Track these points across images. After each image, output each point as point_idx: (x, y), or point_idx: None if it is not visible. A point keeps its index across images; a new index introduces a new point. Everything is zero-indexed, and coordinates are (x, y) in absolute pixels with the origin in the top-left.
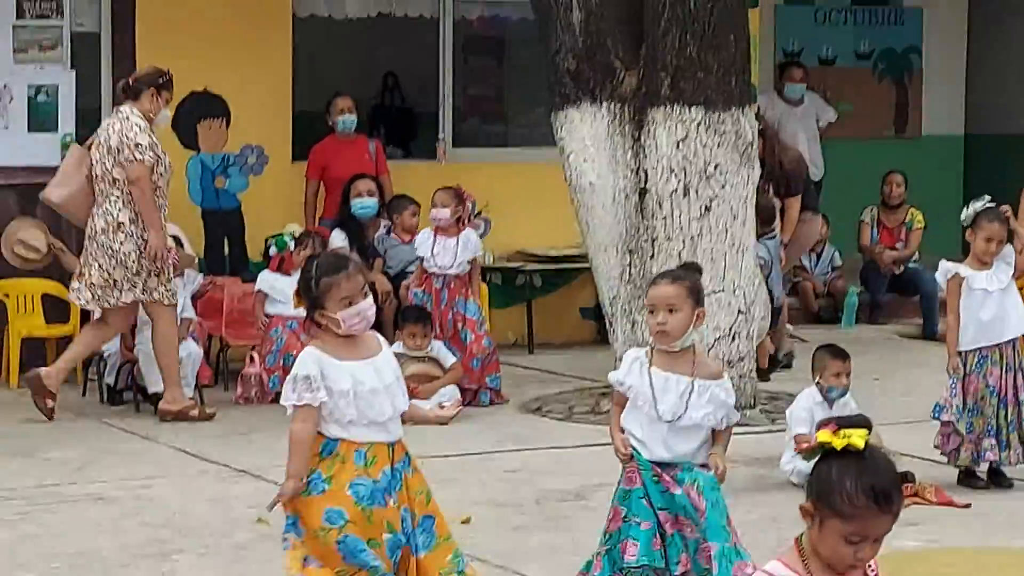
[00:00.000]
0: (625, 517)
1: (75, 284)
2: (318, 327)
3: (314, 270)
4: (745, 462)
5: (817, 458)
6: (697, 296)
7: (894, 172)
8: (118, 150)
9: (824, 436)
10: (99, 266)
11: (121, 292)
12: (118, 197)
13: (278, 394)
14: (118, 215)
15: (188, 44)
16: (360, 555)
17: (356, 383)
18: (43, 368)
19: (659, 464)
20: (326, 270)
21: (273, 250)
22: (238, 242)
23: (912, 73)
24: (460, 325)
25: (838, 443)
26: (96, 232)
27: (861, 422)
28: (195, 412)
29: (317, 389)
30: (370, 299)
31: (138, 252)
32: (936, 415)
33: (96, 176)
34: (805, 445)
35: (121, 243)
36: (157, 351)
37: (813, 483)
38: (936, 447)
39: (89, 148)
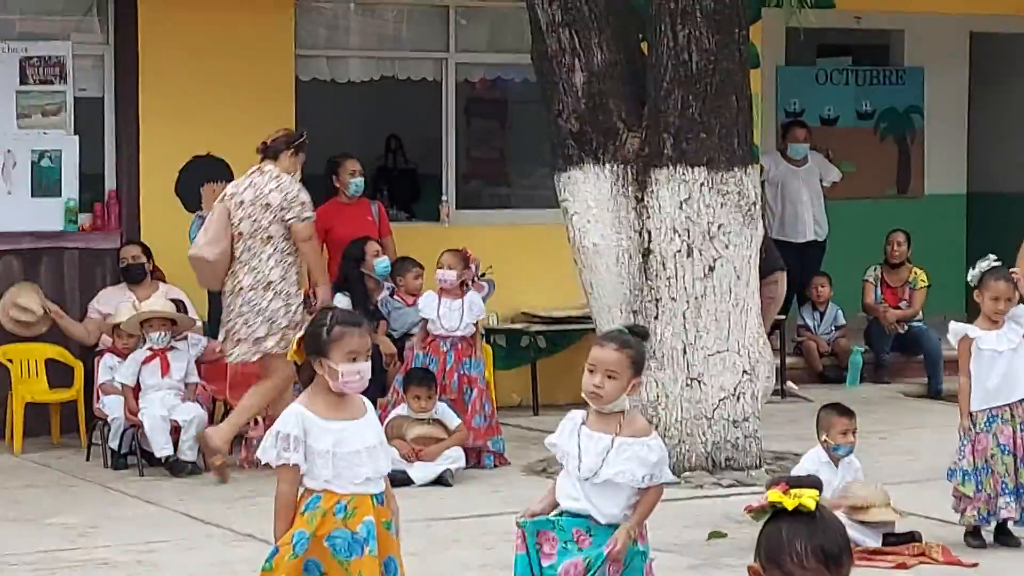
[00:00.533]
0: None
1: (227, 346)
2: (309, 380)
3: (329, 319)
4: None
5: (766, 519)
6: (638, 366)
7: (897, 231)
8: (281, 208)
9: (775, 496)
10: (245, 322)
11: (268, 343)
12: (271, 255)
13: None
14: (268, 273)
15: (191, 108)
16: None
17: (336, 443)
18: (208, 428)
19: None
20: (341, 321)
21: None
22: None
23: (914, 132)
24: (466, 387)
25: (789, 503)
26: (242, 289)
27: (813, 483)
28: (219, 463)
29: (296, 450)
30: (369, 364)
31: (284, 309)
32: (949, 478)
33: (243, 234)
34: (755, 504)
35: (270, 301)
36: (273, 397)
37: (763, 543)
38: (954, 509)
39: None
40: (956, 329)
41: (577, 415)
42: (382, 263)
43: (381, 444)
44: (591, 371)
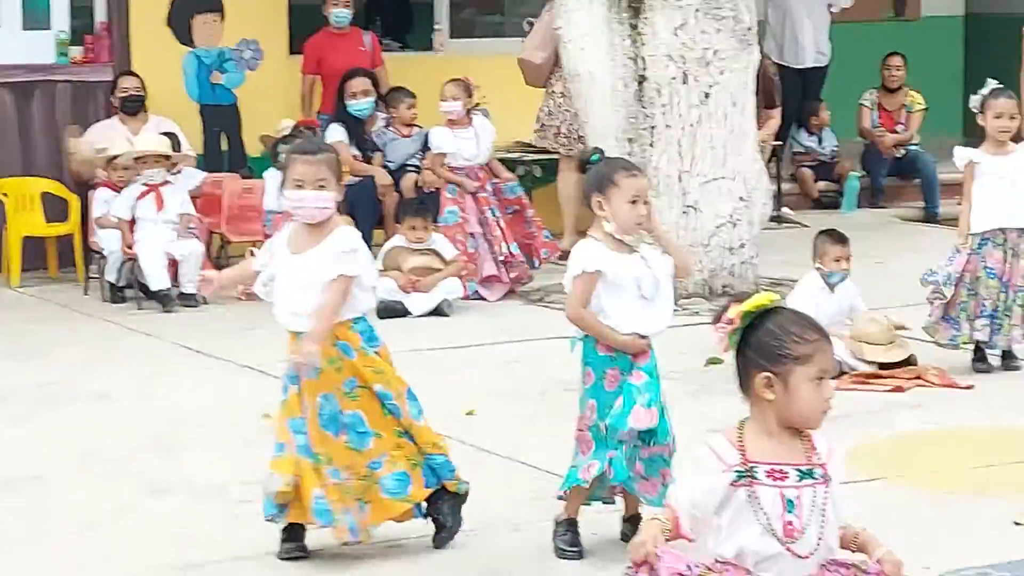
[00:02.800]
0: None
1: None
2: None
3: (291, 149)
4: None
5: (739, 337)
6: None
7: (893, 55)
8: None
9: (753, 303)
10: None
11: None
12: None
13: None
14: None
15: None
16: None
17: (278, 272)
18: None
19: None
20: (295, 149)
21: (283, 157)
22: (235, 138)
23: None
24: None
25: (764, 301)
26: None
27: (746, 293)
28: None
29: (262, 257)
30: (325, 195)
31: None
32: (926, 278)
33: None
34: (725, 331)
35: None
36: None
37: (757, 353)
38: (929, 318)
39: None
40: (962, 154)
41: (595, 244)
42: (356, 105)
43: (319, 280)
44: (634, 202)
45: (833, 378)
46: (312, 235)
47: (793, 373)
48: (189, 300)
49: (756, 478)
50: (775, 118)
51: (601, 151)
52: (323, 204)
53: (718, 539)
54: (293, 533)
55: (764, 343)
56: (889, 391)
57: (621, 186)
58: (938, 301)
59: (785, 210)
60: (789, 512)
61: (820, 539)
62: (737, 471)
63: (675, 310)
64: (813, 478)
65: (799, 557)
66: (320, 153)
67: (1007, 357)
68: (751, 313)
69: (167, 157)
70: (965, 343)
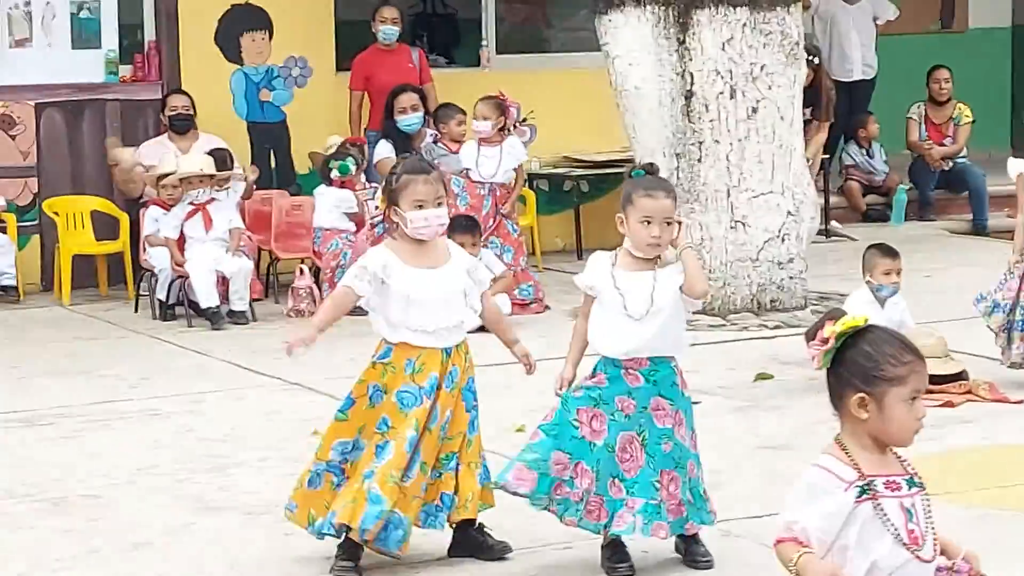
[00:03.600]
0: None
1: None
2: (394, 226)
3: (399, 167)
4: (797, 363)
5: (831, 358)
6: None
7: (940, 68)
8: None
9: (844, 325)
10: None
11: None
12: None
13: None
14: None
15: None
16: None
17: (413, 289)
18: None
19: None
20: (408, 169)
21: (335, 174)
22: (284, 155)
23: None
24: (496, 234)
25: (858, 322)
26: None
27: (840, 312)
28: None
29: (367, 282)
30: (443, 211)
31: None
32: (977, 301)
33: None
34: (818, 349)
35: None
36: None
37: (851, 373)
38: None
39: None
40: (1015, 165)
41: (603, 257)
42: (405, 120)
43: (463, 293)
44: (647, 223)
45: None
46: (431, 250)
47: (887, 394)
48: (239, 317)
49: (878, 491)
50: (824, 131)
51: (650, 167)
52: (444, 221)
53: (844, 558)
54: (349, 551)
55: (859, 364)
56: (940, 406)
57: (636, 205)
58: (1000, 331)
59: (833, 224)
60: (910, 521)
61: (935, 543)
62: (859, 487)
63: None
64: (918, 485)
65: (925, 562)
66: (430, 171)
67: None
68: (845, 333)
69: (211, 176)
70: (1017, 363)
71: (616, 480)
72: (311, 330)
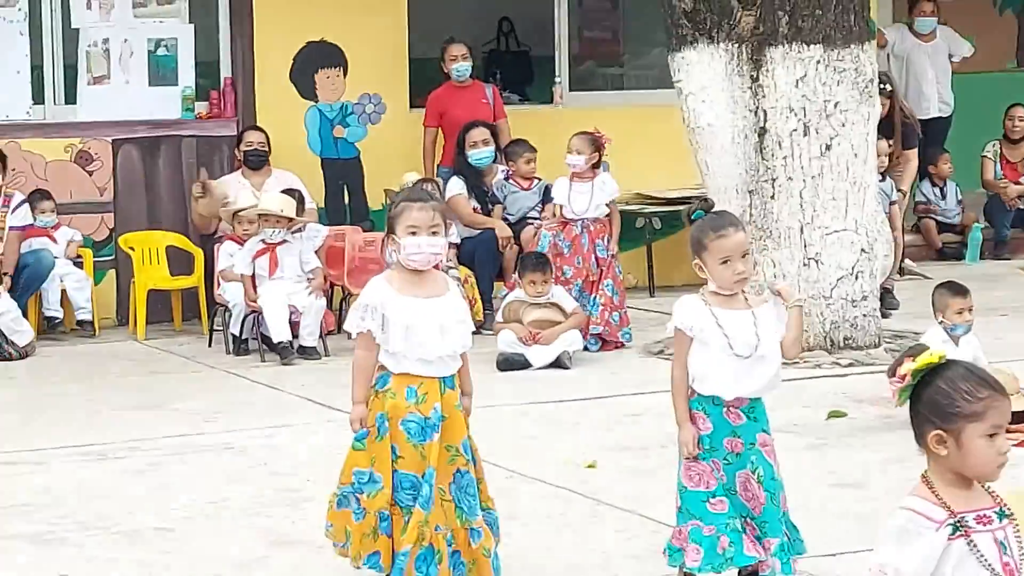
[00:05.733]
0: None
1: None
2: (392, 256)
3: (399, 196)
4: (870, 401)
5: (909, 394)
6: None
7: (1016, 105)
8: None
9: (922, 362)
10: None
11: None
12: None
13: None
14: None
15: None
16: (399, 492)
17: (411, 318)
18: None
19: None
20: (406, 197)
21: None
22: (357, 191)
23: None
24: (597, 268)
25: (935, 358)
26: None
27: (921, 348)
28: None
29: (372, 318)
30: (438, 240)
31: None
32: None
33: None
34: (898, 385)
35: None
36: None
37: (928, 410)
38: None
39: None
40: None
41: (694, 299)
42: (476, 155)
43: (459, 323)
44: (727, 261)
45: None
46: (428, 281)
47: (964, 430)
48: (310, 353)
49: (969, 527)
50: (913, 160)
51: (706, 205)
52: (438, 251)
53: None
54: None
55: (935, 400)
56: (1015, 445)
57: (711, 249)
58: None
59: (907, 262)
60: (1005, 554)
61: None
62: (950, 525)
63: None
64: (1008, 516)
65: None
66: (431, 200)
67: None
68: (921, 370)
69: (289, 219)
70: None
71: (748, 519)
72: (359, 408)
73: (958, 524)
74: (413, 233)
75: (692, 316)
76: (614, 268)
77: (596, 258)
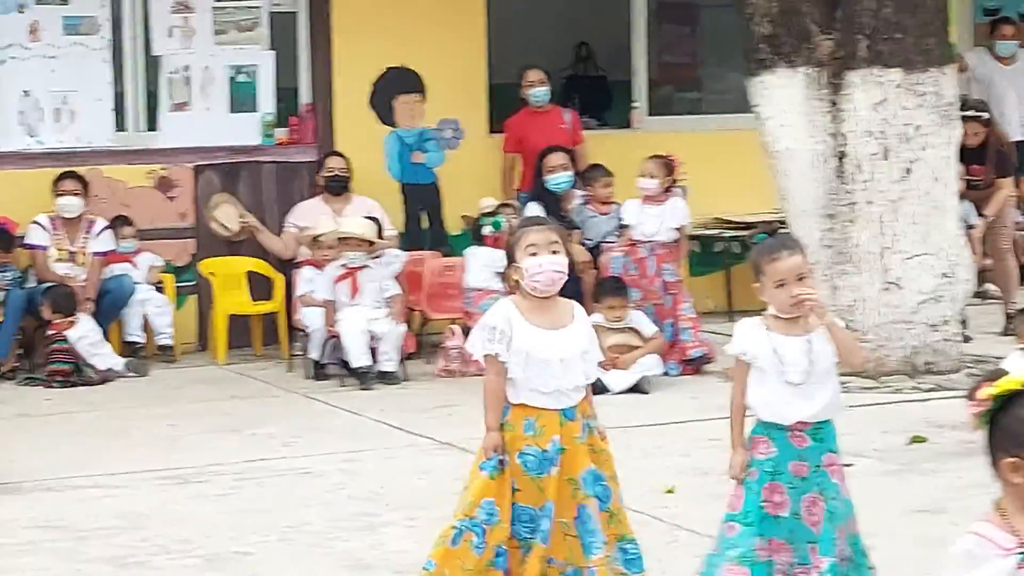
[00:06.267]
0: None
1: None
2: (516, 286)
3: (518, 225)
4: (952, 426)
5: (989, 418)
6: None
7: None
8: None
9: (1002, 387)
10: None
11: None
12: None
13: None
14: None
15: (383, 21)
16: (516, 525)
17: (532, 347)
18: None
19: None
20: (522, 224)
21: (488, 230)
22: (436, 216)
23: None
24: (665, 292)
25: (1015, 384)
26: None
27: (1001, 373)
28: None
29: (499, 341)
30: (559, 258)
31: None
32: None
33: None
34: (977, 410)
35: None
36: None
37: (1005, 436)
38: None
39: None
40: None
41: (754, 323)
42: (554, 179)
43: (582, 356)
44: (782, 285)
45: None
46: (553, 308)
47: None
48: (389, 379)
49: None
50: (1006, 188)
51: (769, 229)
52: (560, 268)
53: None
54: None
55: (1011, 428)
56: None
57: (767, 272)
58: None
59: (989, 285)
60: None
61: None
62: (1020, 553)
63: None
64: None
65: None
66: (545, 222)
67: None
68: (1001, 395)
69: (370, 243)
70: None
71: (812, 545)
72: (492, 436)
73: None
74: (533, 253)
75: (748, 342)
76: (684, 291)
77: (664, 283)
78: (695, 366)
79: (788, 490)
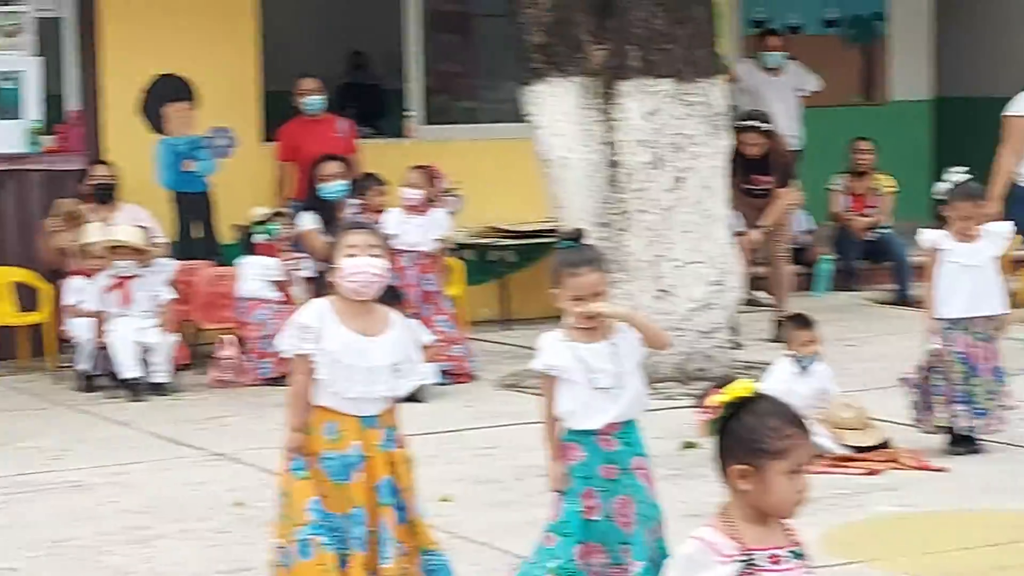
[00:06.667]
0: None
1: None
2: (333, 287)
3: (341, 228)
4: None
5: (719, 425)
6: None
7: (861, 139)
8: None
9: (731, 393)
10: None
11: None
12: None
13: (259, 378)
14: None
15: (153, 28)
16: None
17: (341, 351)
18: None
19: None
20: (346, 226)
21: (261, 239)
22: (209, 225)
23: (879, 39)
24: (425, 303)
25: (743, 391)
26: None
27: (728, 379)
28: None
29: (311, 340)
30: (378, 261)
31: None
32: (906, 384)
33: None
34: (707, 416)
35: None
36: None
37: (734, 443)
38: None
39: None
40: (927, 237)
41: (555, 336)
42: (328, 188)
43: (392, 367)
44: (578, 300)
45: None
46: (369, 314)
47: (768, 467)
48: (160, 389)
49: (758, 565)
50: (783, 198)
51: (577, 234)
52: (379, 272)
53: None
54: None
55: (740, 435)
56: (864, 474)
57: (564, 284)
58: (913, 395)
59: (758, 293)
60: None
61: None
62: (739, 560)
63: (649, 393)
64: (801, 558)
65: None
66: (373, 227)
67: (969, 442)
68: (729, 403)
69: (140, 251)
70: (939, 427)
71: (625, 546)
72: (295, 437)
73: (747, 561)
74: (352, 255)
75: (554, 356)
76: (443, 303)
77: (424, 292)
78: (462, 375)
79: (599, 493)
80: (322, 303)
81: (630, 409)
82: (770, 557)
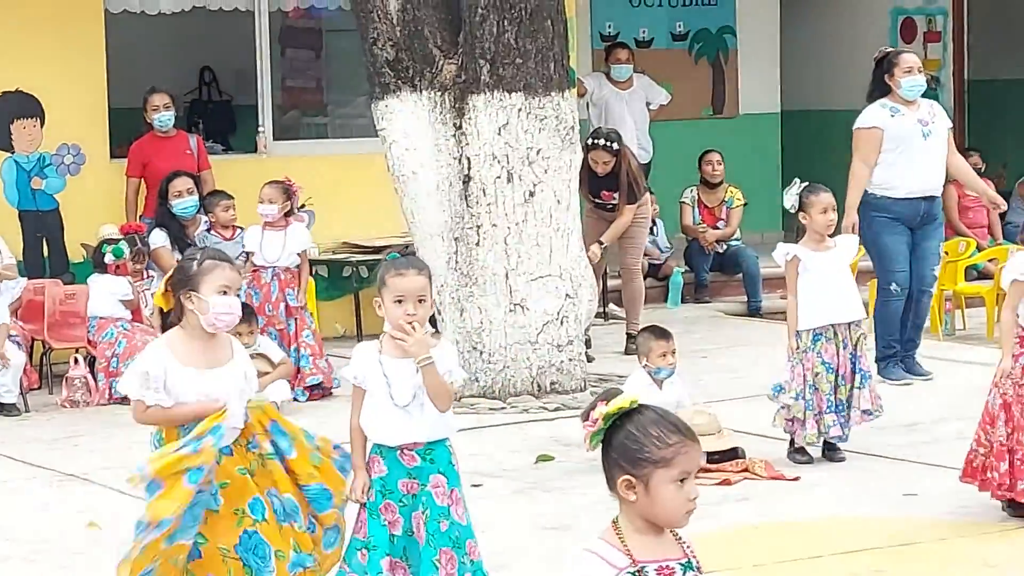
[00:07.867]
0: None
1: None
2: (179, 316)
3: (199, 254)
4: (577, 445)
5: (604, 437)
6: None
7: (711, 151)
8: None
9: (614, 407)
10: None
11: None
12: None
13: (113, 398)
14: None
15: None
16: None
17: (185, 392)
18: None
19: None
20: (213, 256)
21: (110, 258)
22: (57, 243)
23: (727, 53)
24: (287, 318)
25: (626, 403)
26: None
27: (615, 392)
28: None
29: (154, 390)
30: (239, 303)
31: None
32: (775, 393)
33: None
34: (592, 429)
35: None
36: None
37: (620, 453)
38: (782, 428)
39: None
40: (784, 250)
41: (369, 346)
42: (180, 204)
43: (240, 395)
44: (399, 302)
45: None
46: (215, 345)
47: (653, 476)
48: (9, 410)
49: None
50: (626, 215)
51: (404, 250)
52: (239, 314)
53: None
54: None
55: (624, 446)
56: (717, 484)
57: (389, 286)
58: (796, 422)
59: (612, 306)
60: None
61: None
62: (629, 573)
63: (503, 407)
64: (694, 570)
65: None
66: (234, 262)
67: (830, 449)
68: (612, 415)
69: None
70: (811, 441)
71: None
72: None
73: (638, 573)
74: (224, 292)
75: (359, 365)
76: (306, 317)
77: (287, 307)
78: (320, 392)
79: (399, 508)
80: (160, 348)
81: (431, 431)
82: (659, 569)
